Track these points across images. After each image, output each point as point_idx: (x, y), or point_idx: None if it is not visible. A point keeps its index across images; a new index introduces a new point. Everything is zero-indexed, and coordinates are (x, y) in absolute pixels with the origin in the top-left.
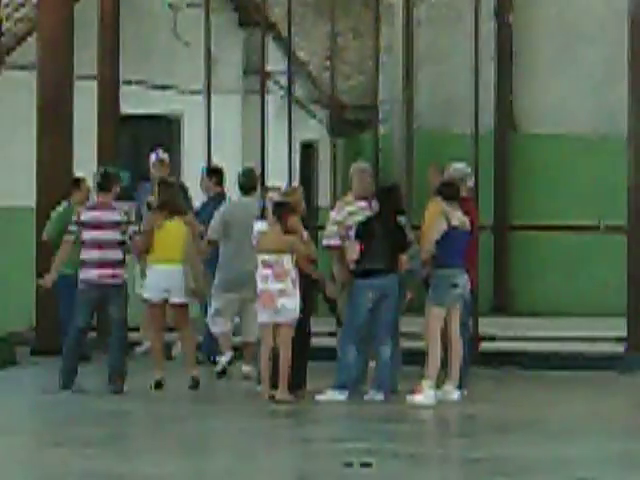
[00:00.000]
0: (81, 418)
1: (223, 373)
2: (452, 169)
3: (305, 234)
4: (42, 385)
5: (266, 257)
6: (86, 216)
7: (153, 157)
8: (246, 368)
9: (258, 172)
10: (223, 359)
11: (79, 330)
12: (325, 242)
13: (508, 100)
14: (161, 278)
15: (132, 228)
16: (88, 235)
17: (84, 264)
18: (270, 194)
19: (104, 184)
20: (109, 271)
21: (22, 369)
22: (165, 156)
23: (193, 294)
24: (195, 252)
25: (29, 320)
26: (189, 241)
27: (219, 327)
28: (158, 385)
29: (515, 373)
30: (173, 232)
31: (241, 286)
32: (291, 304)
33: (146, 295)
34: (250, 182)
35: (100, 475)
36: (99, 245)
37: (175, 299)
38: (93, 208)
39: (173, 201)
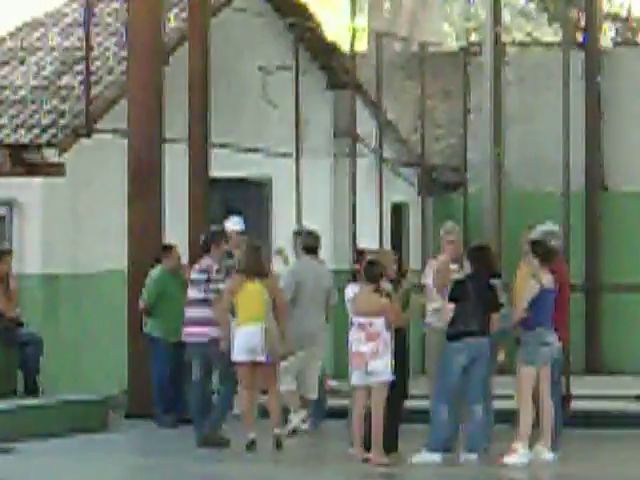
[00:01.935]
0: None
1: (294, 432)
2: (537, 229)
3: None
4: (136, 448)
5: (359, 319)
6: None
7: (233, 227)
8: (303, 425)
9: (345, 234)
10: (295, 418)
11: (196, 384)
12: (424, 281)
13: (598, 159)
14: (245, 339)
15: (211, 286)
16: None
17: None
18: (366, 255)
19: (201, 246)
20: (192, 329)
21: (115, 433)
22: (238, 227)
23: (270, 354)
24: (270, 313)
25: (122, 384)
26: (267, 302)
27: (285, 385)
28: (251, 445)
29: (608, 433)
30: (254, 293)
31: (308, 345)
32: (382, 366)
33: (234, 356)
34: (315, 242)
35: None
36: (187, 303)
37: (260, 358)
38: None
39: (256, 264)
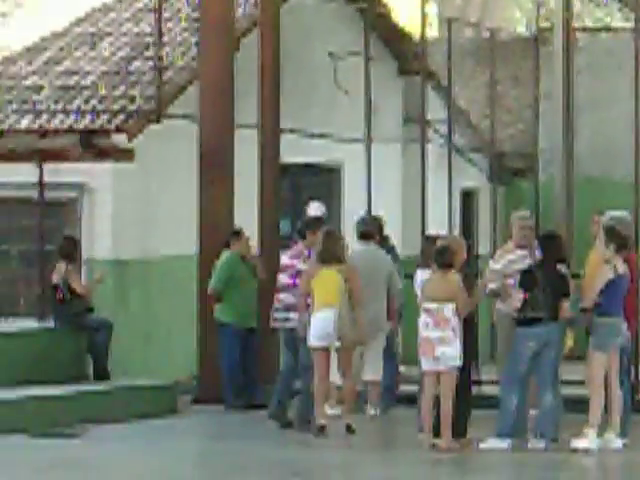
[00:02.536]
0: (245, 467)
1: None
2: (607, 215)
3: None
4: (206, 433)
5: (428, 305)
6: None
7: (313, 212)
8: (371, 410)
9: (414, 220)
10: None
11: (285, 367)
12: (489, 287)
13: None
14: (321, 325)
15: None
16: None
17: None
18: (438, 241)
19: (297, 232)
20: (280, 314)
21: (183, 418)
22: (319, 212)
23: (339, 340)
24: (345, 299)
25: (190, 369)
26: (342, 287)
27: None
28: (321, 430)
29: None
30: (329, 279)
31: (368, 329)
32: (451, 352)
33: (310, 342)
34: (368, 228)
35: None
36: (277, 289)
37: (336, 344)
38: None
39: (330, 250)
